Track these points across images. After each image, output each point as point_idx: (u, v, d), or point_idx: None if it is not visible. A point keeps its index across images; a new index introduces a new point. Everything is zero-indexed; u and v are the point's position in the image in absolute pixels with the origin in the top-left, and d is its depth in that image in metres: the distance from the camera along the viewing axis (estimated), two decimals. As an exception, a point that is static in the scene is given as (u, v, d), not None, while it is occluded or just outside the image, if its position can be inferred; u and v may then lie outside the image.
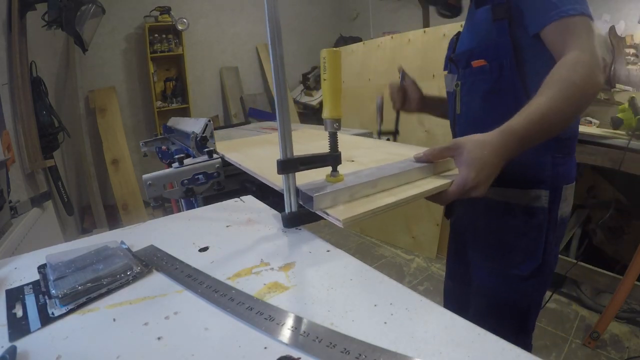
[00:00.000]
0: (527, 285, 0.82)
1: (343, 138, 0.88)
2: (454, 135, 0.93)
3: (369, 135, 1.08)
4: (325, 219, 0.48)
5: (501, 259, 0.83)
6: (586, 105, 0.65)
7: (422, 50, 2.41)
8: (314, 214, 0.49)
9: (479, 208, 0.85)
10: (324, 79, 0.50)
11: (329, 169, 0.53)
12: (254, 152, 0.88)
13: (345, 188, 0.50)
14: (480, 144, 0.59)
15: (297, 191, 0.50)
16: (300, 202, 0.51)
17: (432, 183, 0.58)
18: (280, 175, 0.50)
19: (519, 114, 0.61)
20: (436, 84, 2.26)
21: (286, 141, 0.48)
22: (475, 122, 0.85)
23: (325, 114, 0.49)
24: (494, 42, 0.75)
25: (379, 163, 0.64)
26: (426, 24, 3.50)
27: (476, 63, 0.80)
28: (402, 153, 0.74)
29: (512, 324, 0.85)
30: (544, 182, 0.77)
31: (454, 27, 2.20)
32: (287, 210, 0.51)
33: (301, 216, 0.51)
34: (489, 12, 0.75)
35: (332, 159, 0.51)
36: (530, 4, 0.70)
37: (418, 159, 0.63)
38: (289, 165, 0.48)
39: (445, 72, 0.97)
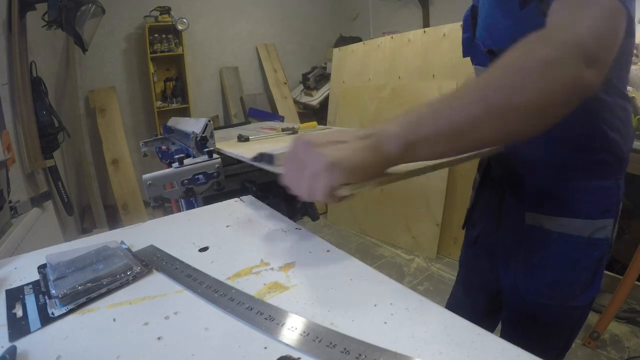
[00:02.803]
0: (579, 312, 0.72)
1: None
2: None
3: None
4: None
5: (554, 293, 0.70)
6: (544, 113, 0.41)
7: (422, 50, 2.41)
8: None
9: (524, 236, 0.70)
10: None
11: None
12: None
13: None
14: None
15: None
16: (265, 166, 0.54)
17: None
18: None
19: (426, 104, 0.44)
20: (436, 84, 2.26)
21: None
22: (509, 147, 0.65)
23: None
24: None
25: None
26: (426, 24, 3.51)
27: None
28: None
29: (556, 347, 0.76)
30: (611, 210, 0.65)
31: (455, 27, 2.20)
32: None
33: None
34: (534, 13, 0.54)
35: None
36: None
37: None
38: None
39: (471, 61, 0.76)
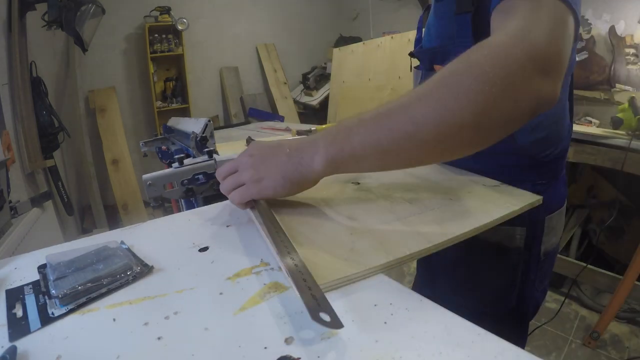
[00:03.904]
0: (504, 325, 0.64)
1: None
2: None
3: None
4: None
5: (471, 295, 0.69)
6: (491, 135, 0.38)
7: (422, 50, 2.41)
8: None
9: None
10: None
11: None
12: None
13: None
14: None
15: None
16: None
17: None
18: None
19: (359, 119, 0.42)
20: (436, 84, 2.26)
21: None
22: None
23: None
24: (453, 44, 0.57)
25: (390, 189, 0.59)
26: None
27: (438, 68, 0.60)
28: (418, 174, 0.66)
29: None
30: (519, 218, 0.55)
31: (454, 27, 2.20)
32: None
33: None
34: (451, 4, 0.55)
35: None
36: None
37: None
38: None
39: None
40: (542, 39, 0.37)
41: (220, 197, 0.70)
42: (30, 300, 0.41)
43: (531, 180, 0.61)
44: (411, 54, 0.72)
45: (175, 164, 0.79)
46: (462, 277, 0.70)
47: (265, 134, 1.34)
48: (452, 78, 0.37)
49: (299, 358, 0.30)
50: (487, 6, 0.46)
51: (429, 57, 0.66)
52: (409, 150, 0.39)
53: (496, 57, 0.36)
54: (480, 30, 0.51)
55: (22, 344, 0.34)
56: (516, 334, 0.72)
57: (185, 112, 3.57)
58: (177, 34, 3.44)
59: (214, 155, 0.81)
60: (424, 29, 0.73)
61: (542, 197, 0.54)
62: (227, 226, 0.57)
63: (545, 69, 0.36)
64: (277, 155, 0.47)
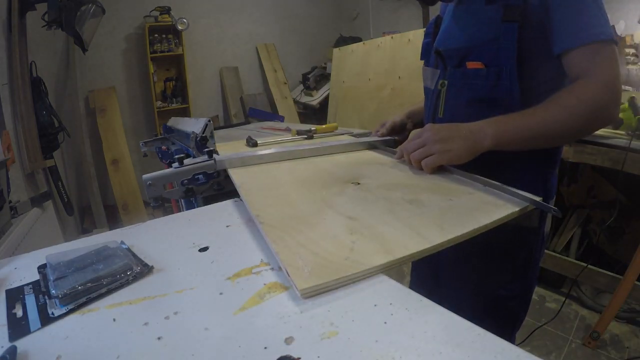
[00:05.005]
0: (513, 305, 0.79)
1: (353, 156, 0.84)
2: None
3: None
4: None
5: (485, 280, 0.77)
6: (584, 135, 0.70)
7: (422, 50, 2.41)
8: None
9: None
10: None
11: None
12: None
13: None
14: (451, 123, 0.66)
15: None
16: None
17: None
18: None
19: (508, 116, 0.64)
20: (436, 84, 2.26)
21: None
22: None
23: None
24: (496, 45, 0.68)
25: (390, 190, 0.60)
26: (426, 24, 3.50)
27: (472, 65, 0.73)
28: (418, 175, 0.66)
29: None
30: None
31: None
32: None
33: None
34: (498, 11, 0.67)
35: None
36: (559, 19, 0.63)
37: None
38: None
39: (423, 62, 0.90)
40: (618, 86, 0.63)
41: (220, 197, 0.70)
42: (30, 300, 0.41)
43: (542, 168, 0.75)
44: (437, 52, 0.81)
45: (175, 164, 0.79)
46: (478, 265, 0.77)
47: (266, 134, 1.34)
48: (571, 103, 0.62)
49: (299, 358, 0.30)
50: (537, 24, 0.65)
51: (461, 54, 0.75)
52: (539, 140, 0.65)
53: (596, 98, 0.61)
54: (522, 38, 0.66)
55: (22, 344, 0.34)
56: (523, 310, 0.83)
57: (185, 112, 3.57)
58: (177, 34, 3.44)
59: (214, 155, 0.81)
60: (434, 35, 0.84)
61: (541, 197, 0.54)
62: (227, 226, 0.57)
63: (617, 103, 0.63)
64: (458, 133, 0.64)
